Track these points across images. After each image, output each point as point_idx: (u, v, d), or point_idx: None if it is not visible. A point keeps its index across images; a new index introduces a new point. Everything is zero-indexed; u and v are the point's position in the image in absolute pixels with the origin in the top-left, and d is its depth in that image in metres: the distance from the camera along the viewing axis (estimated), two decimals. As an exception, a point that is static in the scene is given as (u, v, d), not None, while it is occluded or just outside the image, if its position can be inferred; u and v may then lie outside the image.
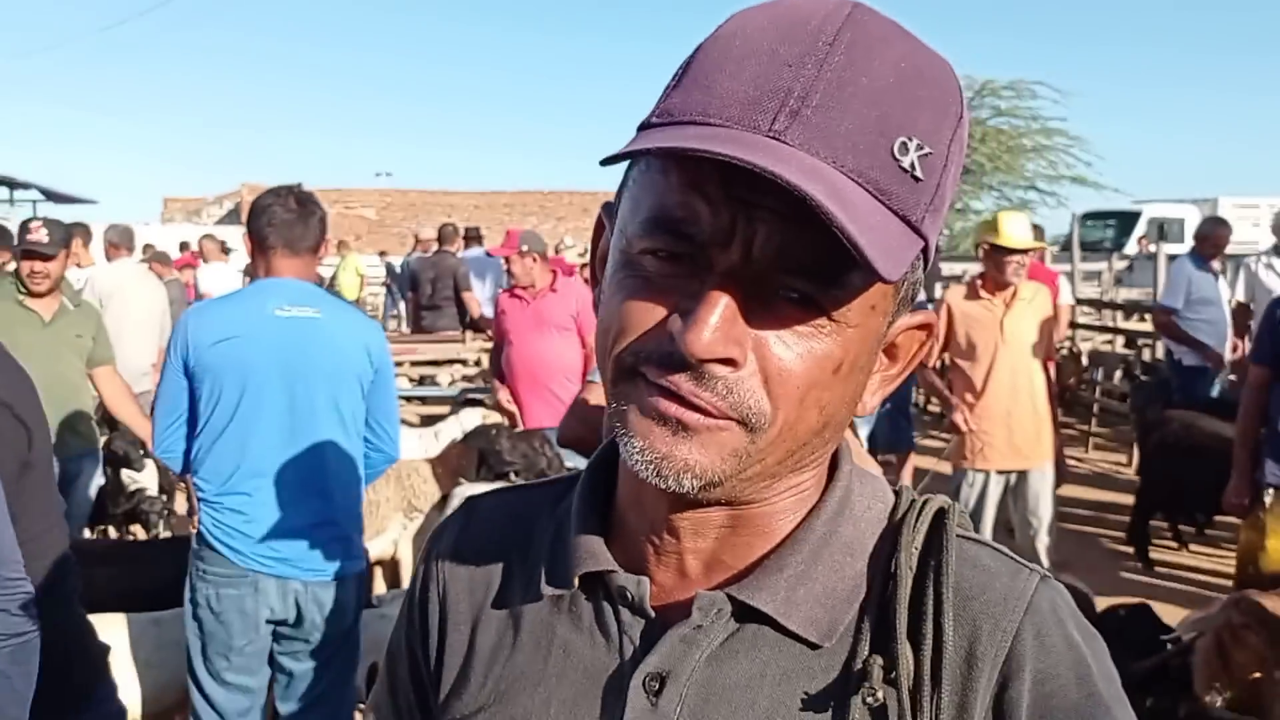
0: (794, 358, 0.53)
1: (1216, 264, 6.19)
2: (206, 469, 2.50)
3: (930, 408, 8.70)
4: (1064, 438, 4.89)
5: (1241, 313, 6.07)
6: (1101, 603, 3.42)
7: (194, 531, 2.60)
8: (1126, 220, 16.12)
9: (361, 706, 2.35)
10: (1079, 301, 9.96)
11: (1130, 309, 10.23)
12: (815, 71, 0.51)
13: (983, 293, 4.20)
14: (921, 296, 5.56)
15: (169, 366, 2.54)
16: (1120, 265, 13.26)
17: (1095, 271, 12.81)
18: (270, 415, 2.47)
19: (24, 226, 3.97)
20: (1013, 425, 4.16)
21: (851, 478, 0.64)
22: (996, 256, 4.07)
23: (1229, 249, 6.40)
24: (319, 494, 2.53)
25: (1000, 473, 4.24)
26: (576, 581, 0.64)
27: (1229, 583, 5.11)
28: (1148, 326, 8.43)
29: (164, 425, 2.55)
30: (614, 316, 0.55)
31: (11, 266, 4.13)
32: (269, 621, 2.51)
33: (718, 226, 0.51)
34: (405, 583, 4.03)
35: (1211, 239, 6.13)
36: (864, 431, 5.56)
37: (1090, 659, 0.58)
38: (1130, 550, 5.52)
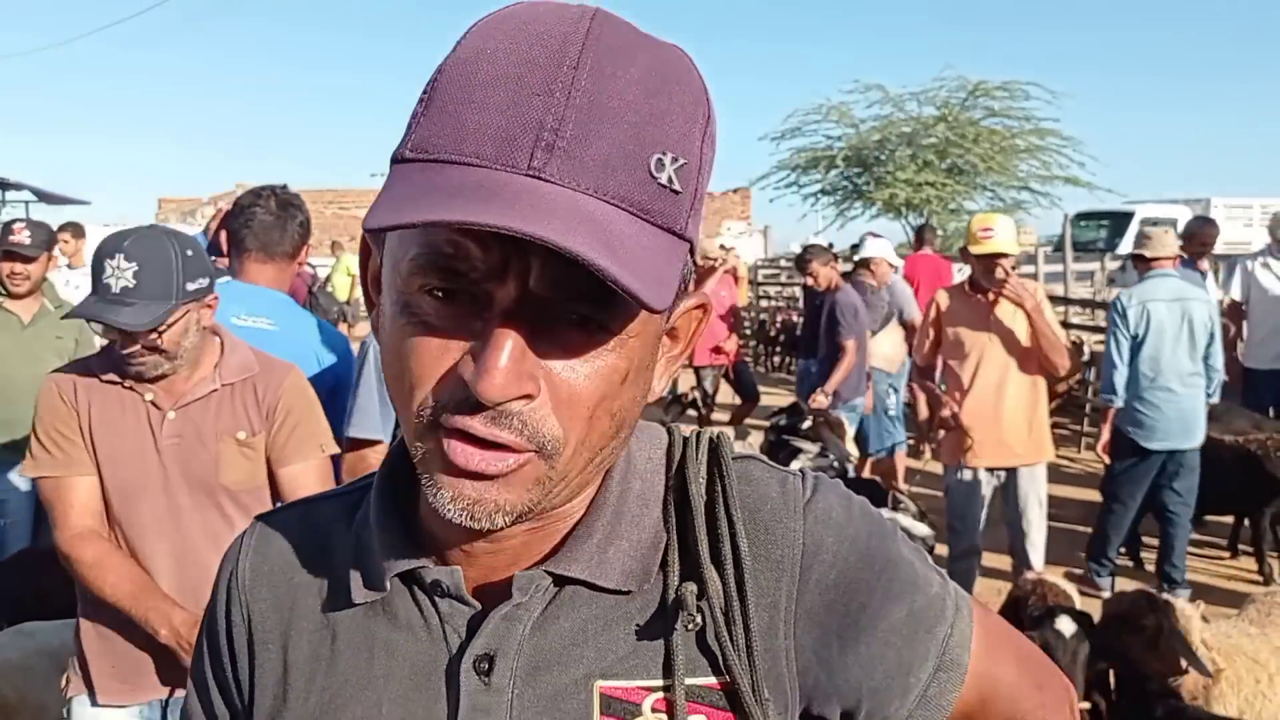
0: (582, 379, 0.55)
1: (1205, 263, 6.20)
2: None
3: (922, 411, 8.68)
4: (1054, 437, 4.89)
5: (1234, 311, 6.08)
6: (1093, 604, 3.42)
7: None
8: (1119, 220, 16.11)
9: None
10: (1071, 301, 9.95)
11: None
12: (564, 99, 0.50)
13: (972, 292, 4.23)
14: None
15: None
16: (1113, 266, 13.26)
17: (1088, 271, 12.82)
18: None
19: (6, 228, 3.96)
20: (1002, 422, 4.16)
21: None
22: (973, 262, 4.14)
23: (1220, 249, 6.41)
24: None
25: (990, 470, 4.25)
26: (389, 584, 0.65)
27: (1218, 581, 5.12)
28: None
29: None
30: (405, 367, 0.55)
31: None
32: None
33: (491, 263, 0.52)
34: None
35: (1198, 238, 6.15)
36: (852, 430, 5.56)
37: (860, 516, 0.67)
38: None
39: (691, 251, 0.57)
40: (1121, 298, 4.71)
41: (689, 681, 0.61)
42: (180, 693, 1.94)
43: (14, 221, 4.00)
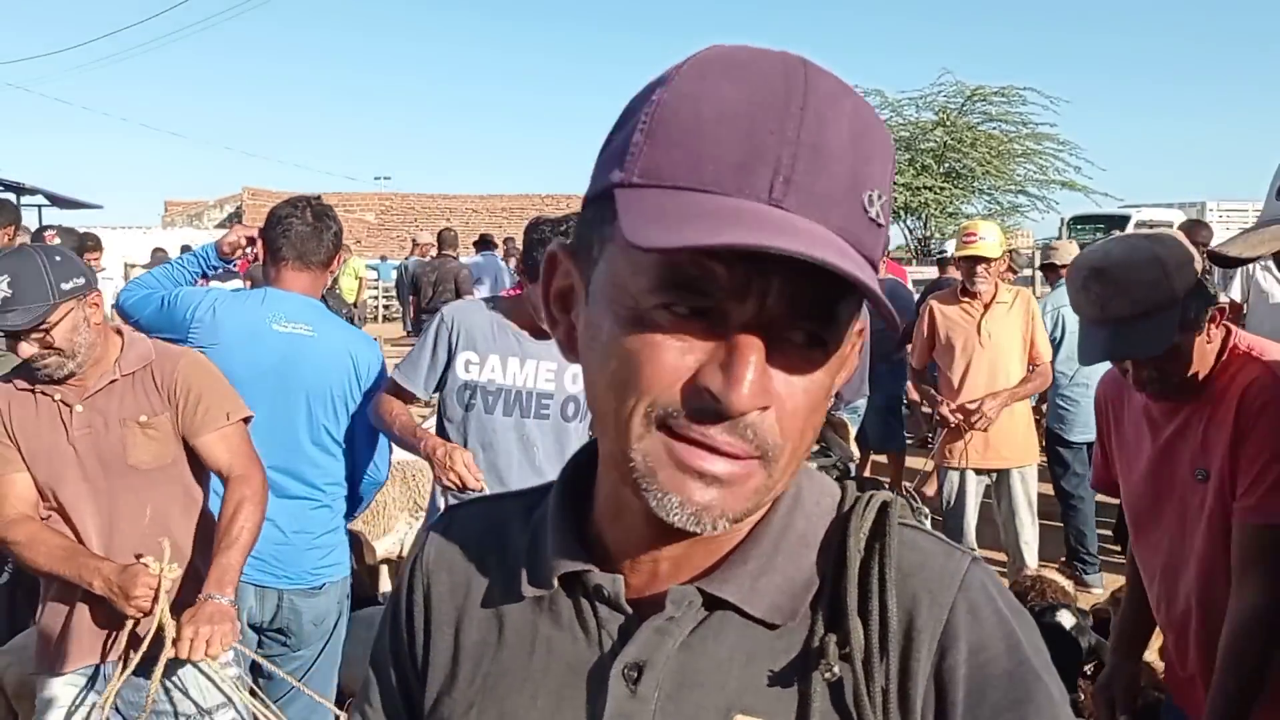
0: (800, 393, 0.58)
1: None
2: None
3: (924, 408, 8.78)
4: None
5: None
6: (1089, 600, 3.52)
7: None
8: (1115, 224, 16.17)
9: (339, 710, 2.38)
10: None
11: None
12: (795, 138, 0.54)
13: (963, 297, 4.39)
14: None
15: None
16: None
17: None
18: (253, 425, 2.51)
19: (38, 235, 4.10)
20: (990, 425, 4.28)
21: (801, 476, 0.69)
22: (961, 265, 4.36)
23: (1214, 251, 6.49)
24: (297, 505, 2.59)
25: (979, 471, 4.37)
26: (556, 582, 0.68)
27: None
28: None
29: None
30: (634, 375, 0.57)
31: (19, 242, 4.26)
32: (250, 626, 2.54)
33: (735, 283, 0.54)
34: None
35: (1189, 238, 6.23)
36: (853, 431, 5.68)
37: (1019, 631, 0.64)
38: (1118, 549, 5.62)
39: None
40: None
41: None
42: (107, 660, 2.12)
43: (46, 229, 4.15)
